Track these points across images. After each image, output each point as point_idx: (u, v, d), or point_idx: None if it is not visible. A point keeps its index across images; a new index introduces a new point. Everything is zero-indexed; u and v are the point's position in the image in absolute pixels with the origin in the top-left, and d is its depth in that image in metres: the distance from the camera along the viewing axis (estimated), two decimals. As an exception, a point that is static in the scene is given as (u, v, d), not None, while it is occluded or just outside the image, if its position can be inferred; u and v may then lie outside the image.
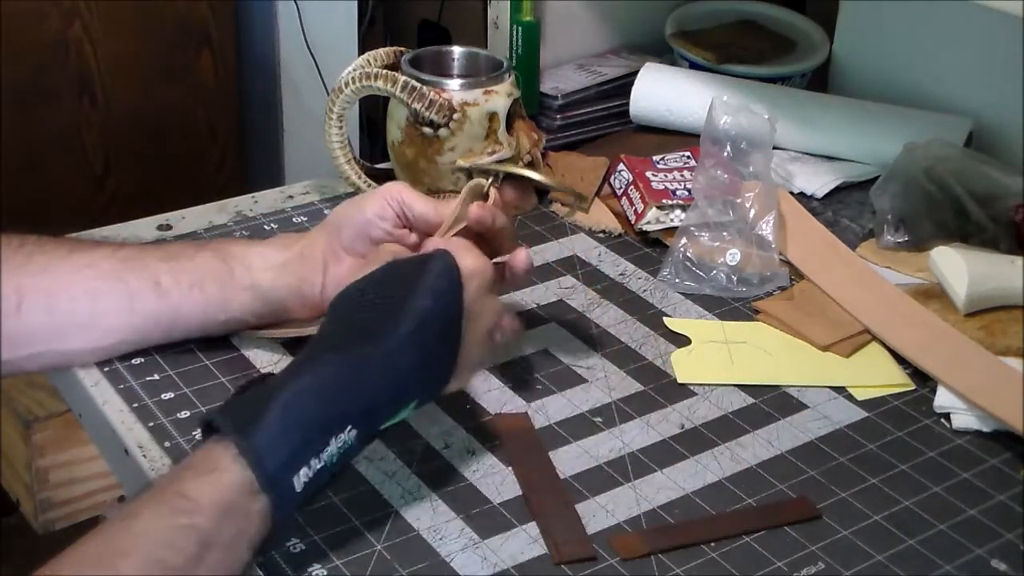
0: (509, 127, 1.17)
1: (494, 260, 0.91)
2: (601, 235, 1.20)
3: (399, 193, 0.95)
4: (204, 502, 0.71)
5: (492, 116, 1.15)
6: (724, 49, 1.40)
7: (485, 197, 0.97)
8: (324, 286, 0.97)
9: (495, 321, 0.88)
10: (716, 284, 1.11)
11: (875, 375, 1.01)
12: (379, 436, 0.84)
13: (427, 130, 1.15)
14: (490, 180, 0.99)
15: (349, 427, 0.76)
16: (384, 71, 1.14)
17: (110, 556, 0.69)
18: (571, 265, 1.15)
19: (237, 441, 0.73)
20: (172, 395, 0.95)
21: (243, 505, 0.72)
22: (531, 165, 1.21)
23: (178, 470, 0.74)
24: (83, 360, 0.97)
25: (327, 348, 0.80)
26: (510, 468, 0.89)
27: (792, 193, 1.24)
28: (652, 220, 1.17)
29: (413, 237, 0.96)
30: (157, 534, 0.70)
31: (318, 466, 0.75)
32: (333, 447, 0.76)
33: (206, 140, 2.25)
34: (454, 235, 0.93)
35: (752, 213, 1.13)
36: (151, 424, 0.92)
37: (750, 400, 0.98)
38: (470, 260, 0.86)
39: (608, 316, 1.08)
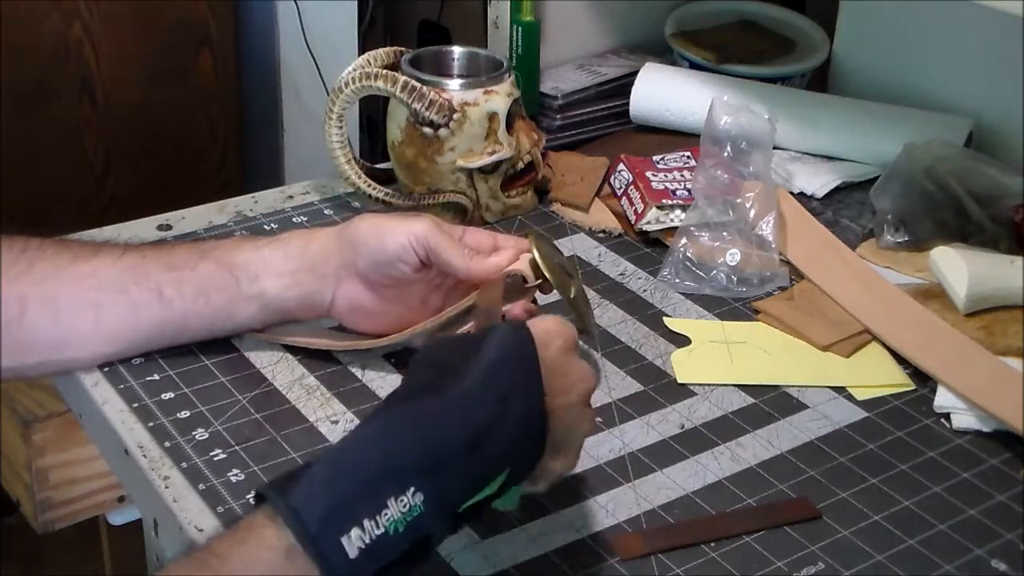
0: (509, 127, 1.17)
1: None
2: (601, 235, 1.20)
3: (425, 239, 0.91)
4: (232, 557, 0.65)
5: (492, 116, 1.15)
6: (724, 49, 1.40)
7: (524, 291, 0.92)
8: (334, 300, 0.96)
9: (588, 386, 0.78)
10: (716, 284, 1.11)
11: (875, 375, 1.01)
12: (469, 519, 0.72)
13: (427, 130, 1.15)
14: (538, 282, 0.91)
15: (412, 489, 0.66)
16: (384, 71, 1.14)
17: None
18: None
19: (274, 499, 0.66)
20: (172, 395, 0.95)
21: (277, 568, 0.64)
22: (531, 165, 1.21)
23: (220, 534, 0.67)
24: (86, 367, 0.97)
25: (383, 405, 0.72)
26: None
27: (792, 193, 1.24)
28: (652, 220, 1.17)
29: (435, 274, 0.93)
30: None
31: (376, 531, 0.65)
32: (394, 511, 0.66)
33: (206, 140, 2.25)
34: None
35: (752, 213, 1.13)
36: (151, 424, 0.92)
37: (750, 400, 0.98)
38: (551, 322, 0.78)
39: (608, 316, 1.08)
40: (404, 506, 0.66)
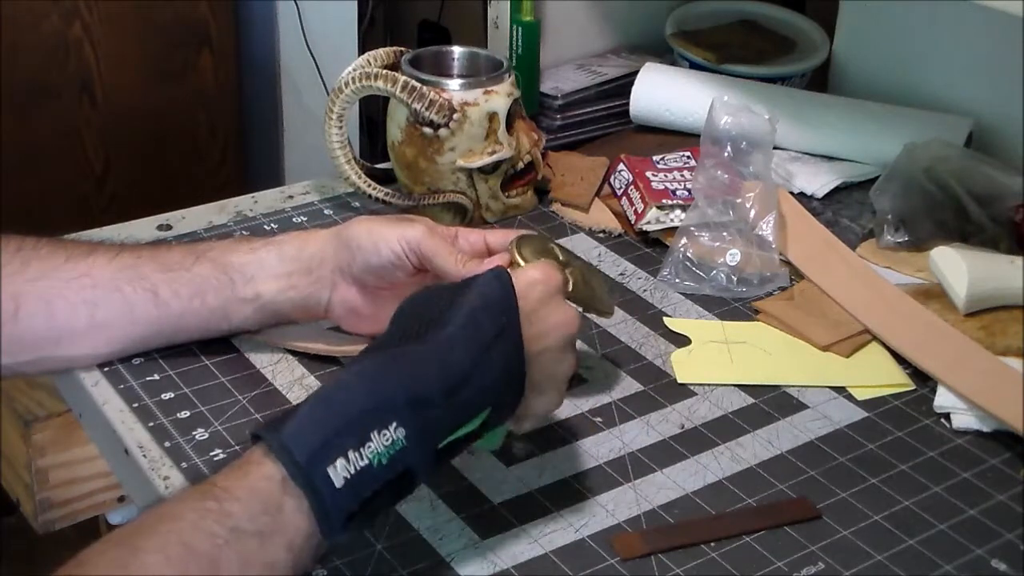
0: (509, 127, 1.17)
1: None
2: (601, 235, 1.20)
3: (419, 244, 0.92)
4: (233, 490, 0.69)
5: (492, 116, 1.15)
6: (724, 49, 1.40)
7: None
8: (331, 303, 0.96)
9: (570, 331, 0.82)
10: (716, 284, 1.11)
11: (875, 375, 1.01)
12: (451, 454, 0.77)
13: (427, 130, 1.15)
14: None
15: (395, 423, 0.71)
16: (384, 71, 1.14)
17: (136, 535, 0.68)
18: (571, 265, 1.15)
19: (267, 435, 0.70)
20: (172, 395, 0.95)
21: (275, 497, 0.69)
22: (531, 165, 1.21)
23: (217, 472, 0.71)
24: (84, 364, 0.97)
25: (368, 351, 0.77)
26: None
27: (792, 193, 1.24)
28: (652, 220, 1.17)
29: (430, 276, 0.93)
30: (186, 516, 0.68)
31: (360, 463, 0.70)
32: (377, 443, 0.70)
33: (206, 140, 2.25)
34: None
35: (752, 213, 1.13)
36: (151, 424, 0.92)
37: (750, 400, 0.98)
38: (535, 269, 0.83)
39: (608, 316, 1.08)
40: (387, 439, 0.71)
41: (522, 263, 0.90)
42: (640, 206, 1.18)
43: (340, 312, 0.97)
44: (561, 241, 1.18)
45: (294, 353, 1.00)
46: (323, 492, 0.69)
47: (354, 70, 1.16)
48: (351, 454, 0.70)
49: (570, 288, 0.92)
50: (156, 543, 0.67)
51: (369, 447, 0.70)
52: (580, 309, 0.91)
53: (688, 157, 1.22)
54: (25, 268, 0.92)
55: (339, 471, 0.69)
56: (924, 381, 1.01)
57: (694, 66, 1.39)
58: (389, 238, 0.92)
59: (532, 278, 0.82)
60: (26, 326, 0.91)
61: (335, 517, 0.70)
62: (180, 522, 0.68)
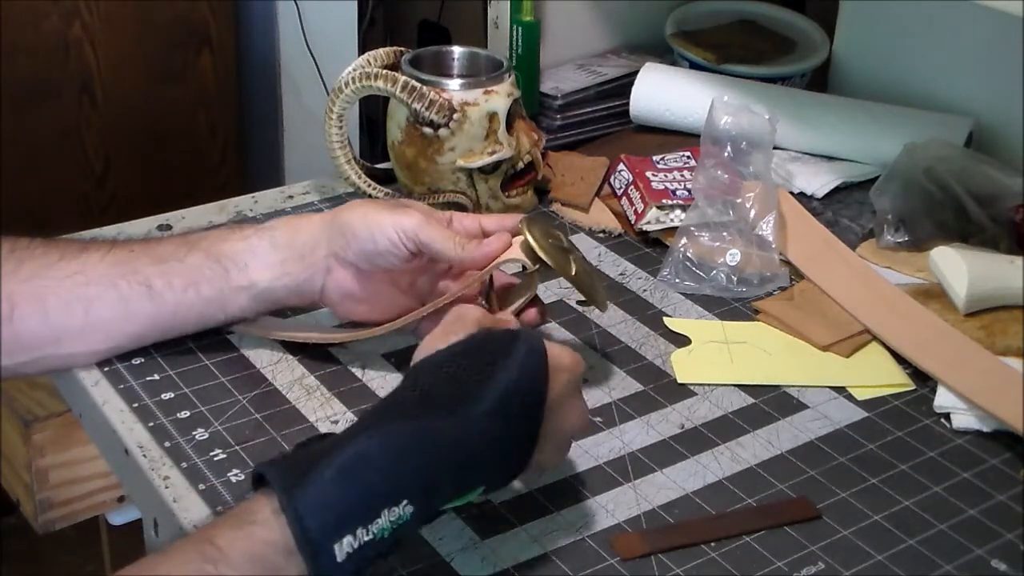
0: (509, 127, 1.17)
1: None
2: (601, 235, 1.20)
3: (415, 234, 0.92)
4: (233, 554, 0.67)
5: (492, 116, 1.15)
6: (724, 49, 1.40)
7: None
8: (325, 288, 0.96)
9: (579, 425, 0.83)
10: (716, 284, 1.11)
11: (875, 375, 1.01)
12: (436, 517, 0.78)
13: (427, 130, 1.15)
14: (536, 267, 0.93)
15: (405, 502, 0.70)
16: (384, 71, 1.14)
17: None
18: (571, 265, 1.15)
19: (280, 496, 0.68)
20: (172, 395, 0.95)
21: (275, 564, 0.68)
22: (531, 165, 1.21)
23: (217, 519, 0.70)
24: (83, 362, 0.97)
25: (396, 415, 0.74)
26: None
27: (792, 193, 1.24)
28: (652, 220, 1.17)
29: (425, 260, 0.94)
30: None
31: (365, 538, 0.69)
32: (385, 520, 0.70)
33: (206, 140, 2.25)
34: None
35: (752, 213, 1.13)
36: (151, 424, 0.92)
37: (750, 400, 0.98)
38: (565, 355, 0.81)
39: (608, 316, 1.07)
40: (394, 516, 0.70)
41: (531, 238, 0.90)
42: (640, 206, 1.18)
43: (335, 297, 0.97)
44: (561, 241, 1.19)
45: (294, 352, 1.00)
46: (326, 566, 0.68)
47: (354, 70, 1.16)
48: (359, 531, 0.69)
49: (573, 273, 0.93)
50: None
51: (377, 524, 0.70)
52: (580, 296, 0.94)
53: (688, 157, 1.22)
54: (19, 268, 0.92)
55: (344, 547, 0.69)
56: (924, 381, 1.01)
57: (694, 66, 1.39)
58: (385, 226, 0.92)
59: (563, 365, 0.80)
60: (22, 326, 0.91)
61: None
62: None
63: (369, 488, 0.70)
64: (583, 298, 0.96)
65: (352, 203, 0.97)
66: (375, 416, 0.75)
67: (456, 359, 0.78)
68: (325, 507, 0.68)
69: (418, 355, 0.80)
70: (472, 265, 0.94)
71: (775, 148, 1.23)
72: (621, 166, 1.22)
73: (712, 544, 0.83)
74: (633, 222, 1.18)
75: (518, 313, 0.94)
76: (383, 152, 1.22)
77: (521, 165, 1.20)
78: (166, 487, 0.86)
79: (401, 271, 0.96)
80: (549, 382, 0.78)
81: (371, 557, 0.70)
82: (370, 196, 1.18)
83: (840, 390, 1.00)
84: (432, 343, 0.80)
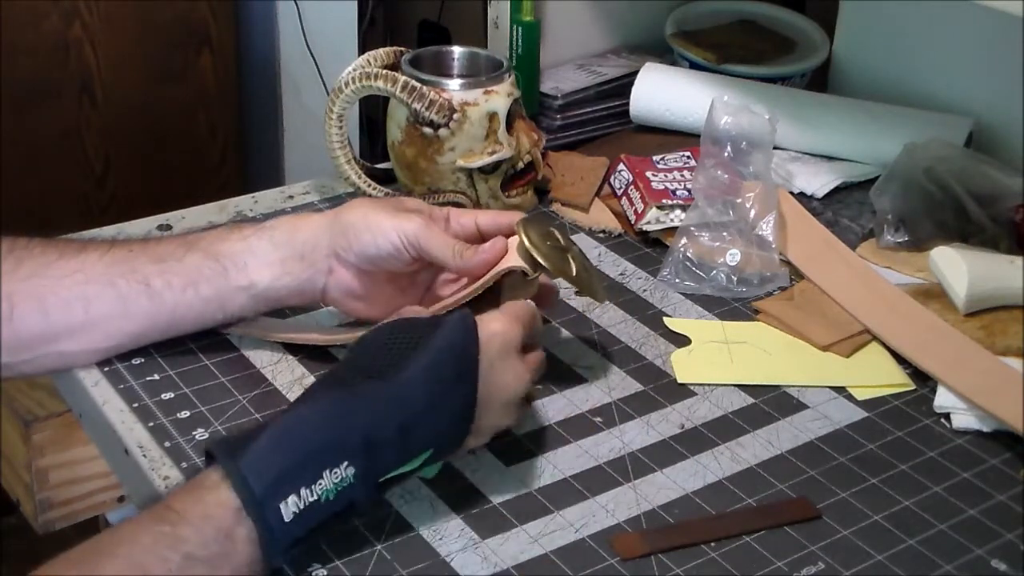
0: (509, 127, 1.17)
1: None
2: (601, 235, 1.20)
3: (416, 239, 0.93)
4: (188, 515, 0.72)
5: (492, 116, 1.15)
6: (724, 49, 1.40)
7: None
8: (327, 288, 0.96)
9: (521, 386, 0.85)
10: (716, 284, 1.11)
11: (875, 375, 1.01)
12: (389, 486, 0.81)
13: (427, 130, 1.15)
14: (537, 273, 0.93)
15: (346, 463, 0.75)
16: (384, 71, 1.14)
17: (94, 556, 0.70)
18: (571, 265, 1.15)
19: (225, 461, 0.73)
20: (172, 395, 0.95)
21: (228, 526, 0.72)
22: (531, 165, 1.21)
23: (171, 491, 0.75)
24: (83, 361, 0.97)
25: (332, 384, 0.80)
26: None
27: (792, 193, 1.24)
28: (652, 220, 1.17)
29: (426, 261, 0.95)
30: (141, 539, 0.71)
31: (310, 498, 0.73)
32: (328, 481, 0.74)
33: (206, 140, 2.25)
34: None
35: (752, 213, 1.13)
36: (151, 424, 0.92)
37: (750, 400, 0.98)
38: (495, 320, 0.84)
39: (608, 316, 1.08)
40: (337, 477, 0.74)
41: (528, 244, 0.91)
42: (640, 206, 1.18)
43: (336, 295, 0.97)
44: (561, 241, 1.19)
45: (294, 352, 1.00)
46: (273, 526, 0.73)
47: (354, 70, 1.16)
48: (303, 491, 0.73)
49: (574, 274, 0.93)
50: (112, 566, 0.69)
51: (320, 484, 0.74)
52: (578, 291, 0.95)
53: (688, 157, 1.22)
54: (18, 267, 0.92)
55: (290, 506, 0.73)
56: (924, 381, 1.01)
57: (694, 66, 1.39)
58: (387, 231, 0.93)
59: (493, 330, 0.83)
60: (22, 325, 0.91)
61: (281, 547, 0.74)
62: (135, 545, 0.71)
63: (305, 447, 0.74)
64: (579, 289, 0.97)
65: (353, 203, 0.97)
66: (312, 388, 0.81)
67: (393, 333, 0.83)
68: (266, 468, 0.73)
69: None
70: (469, 274, 0.94)
71: (775, 148, 1.23)
72: (621, 166, 1.22)
73: (712, 544, 0.83)
74: (633, 222, 1.18)
75: None
76: (383, 152, 1.22)
77: (521, 165, 1.20)
78: (166, 487, 0.86)
79: (404, 276, 0.98)
80: (480, 345, 0.82)
81: (323, 520, 0.75)
82: (370, 196, 1.18)
83: (840, 390, 1.00)
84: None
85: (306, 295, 0.97)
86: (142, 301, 0.94)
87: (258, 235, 0.96)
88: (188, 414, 0.93)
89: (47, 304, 0.92)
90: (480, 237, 0.96)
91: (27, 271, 0.92)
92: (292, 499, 0.73)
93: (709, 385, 1.00)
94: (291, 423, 0.75)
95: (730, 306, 1.10)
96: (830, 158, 1.30)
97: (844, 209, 1.24)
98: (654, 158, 1.23)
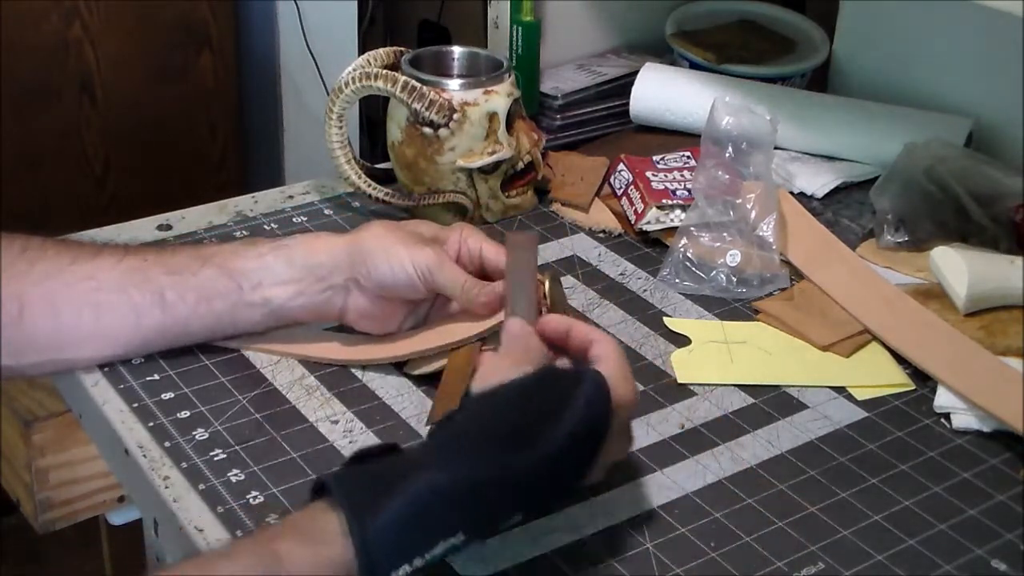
0: (509, 127, 1.17)
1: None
2: (601, 235, 1.20)
3: (428, 271, 0.93)
4: (294, 564, 0.69)
5: (492, 116, 1.15)
6: (724, 49, 1.40)
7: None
8: (346, 309, 0.96)
9: (624, 455, 0.86)
10: (716, 285, 1.11)
11: (875, 375, 1.01)
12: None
13: (427, 130, 1.15)
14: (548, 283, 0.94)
15: (461, 534, 0.73)
16: (384, 71, 1.14)
17: None
18: (571, 265, 1.15)
19: (350, 520, 0.70)
20: (172, 395, 0.95)
21: None
22: (531, 165, 1.21)
23: (283, 526, 0.72)
24: (87, 367, 0.97)
25: (468, 448, 0.76)
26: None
27: (792, 193, 1.24)
28: (652, 220, 1.17)
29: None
30: None
31: (419, 564, 0.72)
32: (440, 549, 0.72)
33: (206, 140, 2.25)
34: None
35: (753, 213, 1.13)
36: (151, 424, 0.92)
37: (750, 400, 0.98)
38: (627, 391, 0.82)
39: (608, 316, 1.08)
40: (449, 545, 0.73)
41: (551, 303, 0.92)
42: (640, 206, 1.18)
43: (354, 316, 0.97)
44: (561, 241, 1.19)
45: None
46: None
47: (354, 70, 1.16)
48: (416, 560, 0.71)
49: (548, 304, 0.94)
50: None
51: (433, 552, 0.72)
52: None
53: (688, 157, 1.22)
54: (31, 268, 0.91)
55: (400, 572, 0.71)
56: (924, 381, 1.01)
57: (694, 66, 1.39)
58: (404, 261, 0.93)
59: (624, 401, 0.81)
60: (31, 329, 0.91)
61: None
62: None
63: (437, 522, 0.72)
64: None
65: (371, 227, 0.96)
66: (445, 446, 0.76)
67: (526, 395, 0.79)
68: (393, 538, 0.70)
69: (481, 379, 0.82)
70: (473, 311, 0.95)
71: (775, 148, 1.23)
72: (621, 166, 1.22)
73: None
74: (633, 222, 1.18)
75: None
76: (383, 152, 1.22)
77: (521, 165, 1.20)
78: (166, 487, 0.86)
79: (420, 303, 0.99)
80: (612, 410, 0.80)
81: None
82: (370, 196, 1.18)
83: (840, 390, 1.00)
84: (496, 370, 0.82)
85: (323, 315, 0.97)
86: (155, 313, 0.93)
87: (274, 253, 0.95)
88: (188, 414, 0.93)
89: (59, 310, 0.91)
90: (482, 267, 0.96)
91: (40, 273, 0.91)
92: (404, 568, 0.71)
93: (709, 385, 1.00)
94: (426, 493, 0.72)
95: (730, 306, 1.10)
96: (830, 158, 1.30)
97: (844, 209, 1.24)
98: (654, 158, 1.23)
